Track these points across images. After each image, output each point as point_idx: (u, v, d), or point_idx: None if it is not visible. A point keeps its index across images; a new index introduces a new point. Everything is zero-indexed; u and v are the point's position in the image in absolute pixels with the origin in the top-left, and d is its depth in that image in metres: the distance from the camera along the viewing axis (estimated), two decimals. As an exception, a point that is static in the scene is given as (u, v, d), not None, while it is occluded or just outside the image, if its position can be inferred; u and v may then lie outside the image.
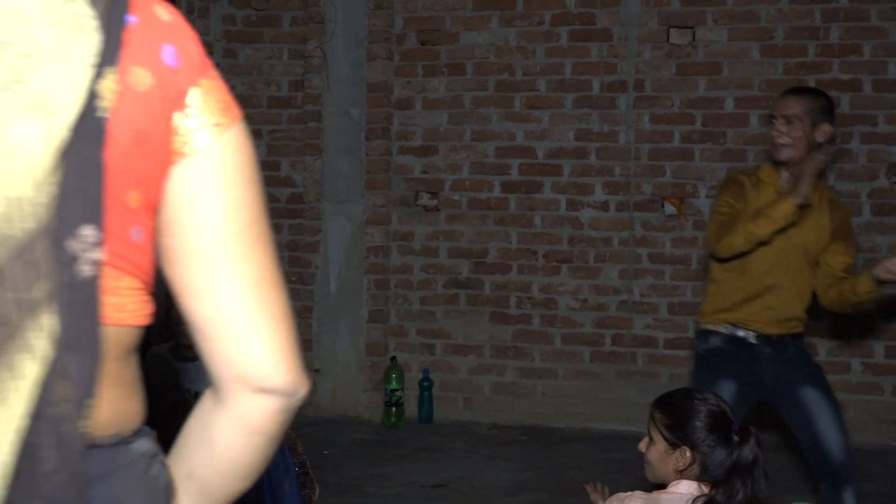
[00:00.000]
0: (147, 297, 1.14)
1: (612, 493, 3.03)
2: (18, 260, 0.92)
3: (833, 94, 6.25)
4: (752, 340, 4.16)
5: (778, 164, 4.09)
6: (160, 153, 1.09)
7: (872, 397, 6.47)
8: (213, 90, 1.13)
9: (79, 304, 0.97)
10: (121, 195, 1.06)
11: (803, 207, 3.97)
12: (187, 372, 4.05)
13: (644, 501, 2.85)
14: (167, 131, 1.09)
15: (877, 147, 6.45)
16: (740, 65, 6.61)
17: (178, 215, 1.11)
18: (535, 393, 6.90)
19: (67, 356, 0.95)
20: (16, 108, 0.94)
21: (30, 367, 0.92)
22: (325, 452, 6.21)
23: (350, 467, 5.94)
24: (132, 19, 1.07)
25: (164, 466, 1.19)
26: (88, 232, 0.97)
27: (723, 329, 4.19)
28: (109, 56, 1.01)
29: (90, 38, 0.98)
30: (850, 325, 6.47)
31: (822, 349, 6.53)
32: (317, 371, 7.02)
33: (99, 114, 1.00)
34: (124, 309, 1.10)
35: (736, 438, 2.80)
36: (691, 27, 6.68)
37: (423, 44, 7.02)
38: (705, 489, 2.80)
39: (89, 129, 0.99)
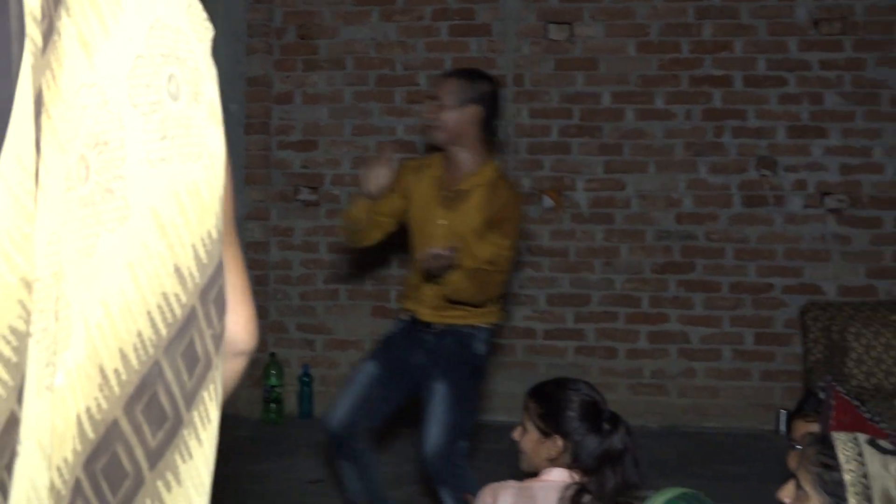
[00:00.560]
0: None
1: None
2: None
3: (706, 89, 6.48)
4: (417, 326, 4.23)
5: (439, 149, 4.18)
6: None
7: (742, 383, 6.64)
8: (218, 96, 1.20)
9: None
10: None
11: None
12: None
13: (516, 490, 2.86)
14: None
15: (747, 141, 6.64)
16: (617, 60, 6.73)
17: None
18: (417, 386, 6.90)
19: None
20: (206, 117, 1.01)
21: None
22: (203, 449, 6.10)
23: (228, 465, 5.78)
24: None
25: None
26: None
27: (404, 315, 4.32)
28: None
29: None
30: (721, 313, 6.64)
31: (695, 337, 6.67)
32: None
33: None
34: None
35: (606, 427, 2.84)
36: (569, 23, 6.78)
37: (302, 38, 6.99)
38: (577, 477, 2.83)
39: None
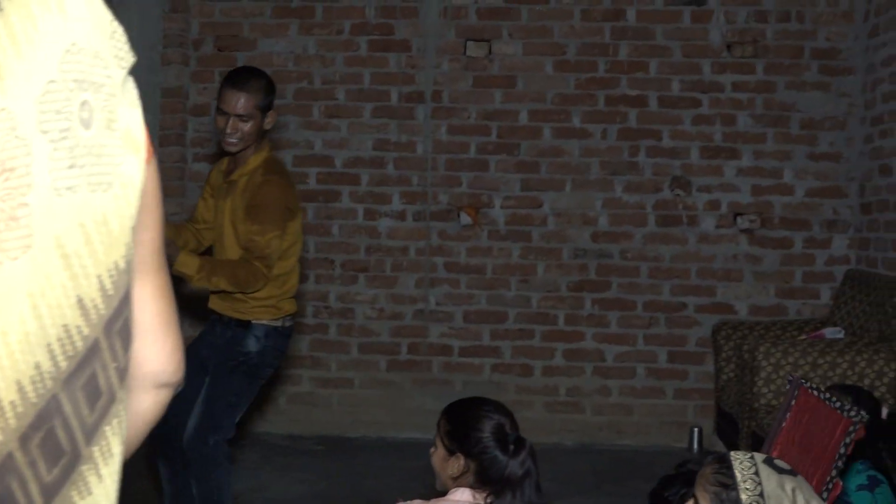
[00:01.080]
0: None
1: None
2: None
3: (621, 108, 6.53)
4: (212, 316, 4.31)
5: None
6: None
7: (656, 401, 6.70)
8: (141, 123, 1.18)
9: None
10: None
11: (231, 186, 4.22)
12: None
13: None
14: None
15: (661, 161, 6.71)
16: (534, 78, 6.77)
17: None
18: (332, 403, 6.86)
19: None
20: (120, 145, 1.00)
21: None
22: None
23: (139, 483, 5.74)
24: None
25: None
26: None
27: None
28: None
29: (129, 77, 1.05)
30: (636, 332, 6.70)
31: (609, 355, 6.72)
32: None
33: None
34: None
35: (511, 449, 2.83)
36: (488, 40, 6.80)
37: (220, 50, 6.92)
38: (479, 498, 2.81)
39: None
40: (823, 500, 2.77)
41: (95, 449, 0.98)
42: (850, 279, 6.23)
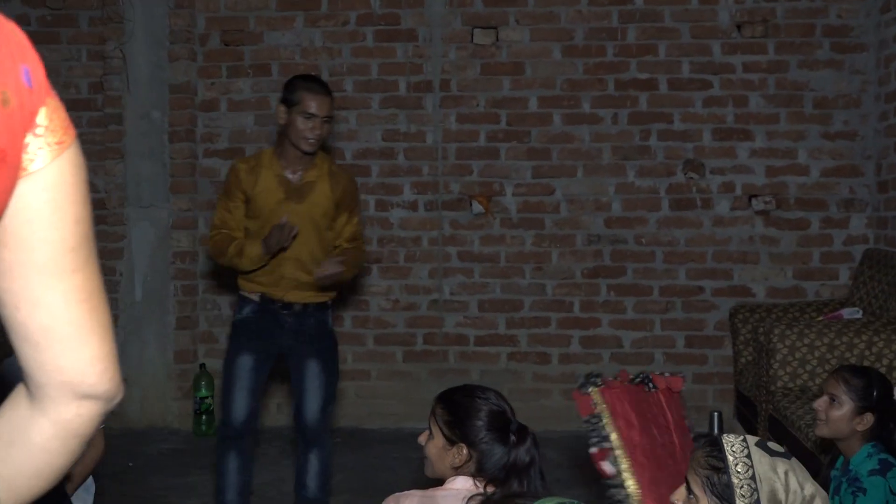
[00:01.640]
0: None
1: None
2: None
3: (631, 92, 6.48)
4: (278, 308, 4.51)
5: (280, 150, 4.48)
6: (14, 171, 1.11)
7: (675, 387, 6.63)
8: (56, 109, 1.15)
9: None
10: None
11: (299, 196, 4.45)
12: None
13: (420, 499, 2.80)
14: (21, 150, 1.12)
15: (673, 144, 6.65)
16: (542, 65, 6.72)
17: (21, 229, 1.13)
18: (349, 395, 6.84)
19: None
20: None
21: None
22: (130, 464, 6.01)
23: (156, 478, 5.75)
24: None
25: None
26: None
27: (255, 297, 4.53)
28: None
29: None
30: (653, 317, 6.65)
31: (626, 341, 6.67)
32: (123, 381, 6.76)
33: None
34: None
35: (513, 438, 2.79)
36: (494, 27, 6.76)
37: (226, 44, 6.90)
38: (481, 486, 2.77)
39: None
40: None
41: None
42: (868, 259, 6.15)
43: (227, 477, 4.57)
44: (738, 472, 2.05)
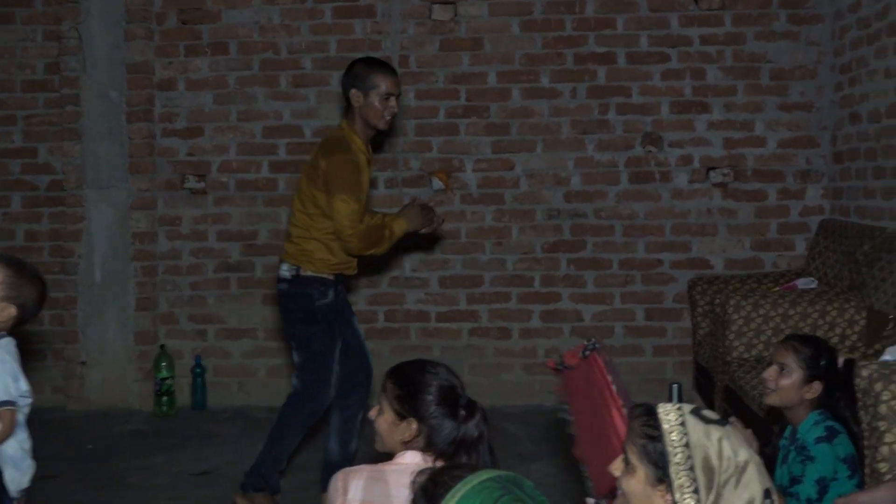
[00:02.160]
0: None
1: None
2: None
3: (589, 66, 6.49)
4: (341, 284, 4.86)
5: (355, 132, 4.71)
6: None
7: (635, 359, 6.68)
8: None
9: None
10: None
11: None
12: None
13: (369, 473, 2.81)
14: None
15: (632, 117, 6.67)
16: (501, 40, 6.72)
17: None
18: (311, 373, 6.83)
19: None
20: None
21: None
22: (90, 446, 6.00)
23: (116, 460, 5.74)
24: None
25: None
26: None
27: (332, 278, 4.75)
28: None
29: None
30: (613, 290, 6.68)
31: (587, 315, 6.71)
32: (83, 364, 6.77)
33: None
34: None
35: (462, 413, 2.80)
36: (453, 3, 6.75)
37: (184, 23, 6.85)
38: (430, 461, 2.78)
39: None
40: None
41: None
42: (823, 229, 6.20)
43: (291, 447, 4.90)
44: (673, 440, 2.06)
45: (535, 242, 6.73)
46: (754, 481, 2.05)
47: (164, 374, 6.66)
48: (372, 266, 6.81)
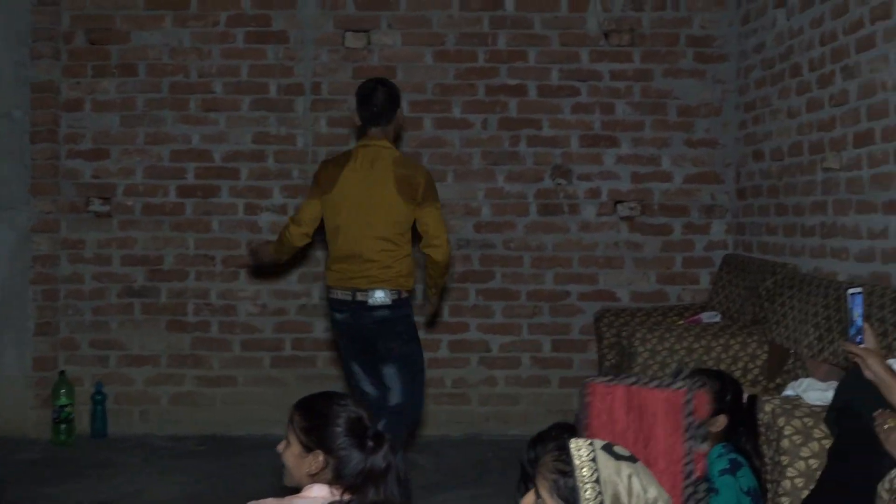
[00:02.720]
0: None
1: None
2: None
3: (501, 98, 6.55)
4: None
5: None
6: None
7: (542, 390, 6.72)
8: None
9: None
10: None
11: None
12: None
13: None
14: None
15: (542, 150, 6.73)
16: (414, 69, 6.73)
17: None
18: (215, 401, 6.75)
19: None
20: None
21: None
22: (-16, 475, 5.81)
23: (11, 490, 5.56)
24: None
25: None
26: None
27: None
28: None
29: None
30: (520, 321, 6.71)
31: (494, 345, 6.72)
32: (-23, 389, 6.57)
33: None
34: None
35: (370, 444, 2.77)
36: (367, 31, 6.74)
37: (92, 43, 6.74)
38: (338, 494, 2.75)
39: None
40: (689, 475, 2.78)
41: None
42: (727, 264, 6.32)
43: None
44: (584, 476, 2.07)
45: (444, 272, 6.72)
46: (663, 518, 2.07)
47: (63, 400, 6.49)
48: (279, 294, 6.76)
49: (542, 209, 6.73)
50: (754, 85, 6.28)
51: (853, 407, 3.11)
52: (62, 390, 6.50)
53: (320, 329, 6.74)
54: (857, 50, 4.84)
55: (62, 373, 6.59)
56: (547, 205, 6.72)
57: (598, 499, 2.05)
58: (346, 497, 2.73)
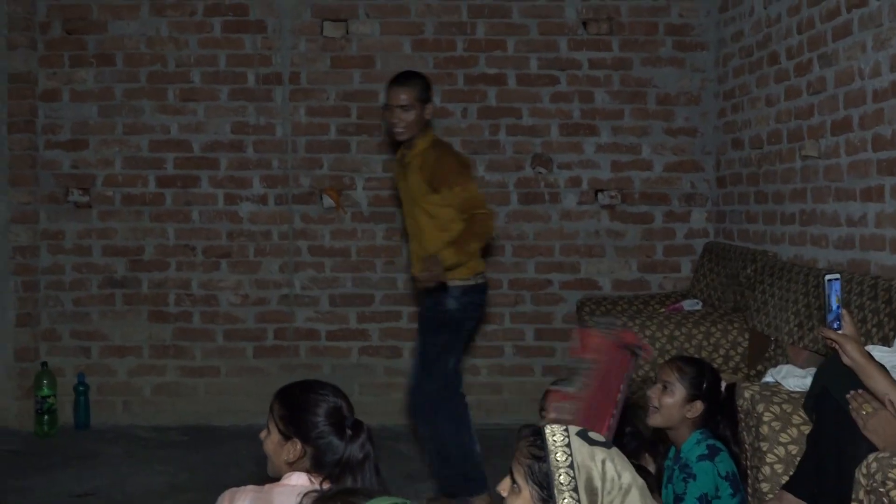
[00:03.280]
0: None
1: None
2: None
3: (480, 87, 6.55)
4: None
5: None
6: None
7: (525, 379, 6.73)
8: None
9: None
10: None
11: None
12: None
13: (255, 493, 2.77)
14: None
15: (522, 139, 6.74)
16: (393, 58, 6.72)
17: None
18: (198, 392, 6.75)
19: None
20: None
21: None
22: (-35, 467, 5.80)
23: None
24: None
25: None
26: None
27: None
28: None
29: None
30: (503, 310, 6.73)
31: (477, 334, 6.73)
32: (-41, 381, 6.55)
33: None
34: None
35: (349, 433, 2.78)
36: (345, 20, 6.73)
37: (69, 33, 6.70)
38: (316, 483, 2.75)
39: None
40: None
41: None
42: (707, 252, 6.34)
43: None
44: (558, 461, 2.08)
45: (425, 261, 6.73)
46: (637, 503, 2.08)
47: (46, 392, 6.47)
48: (260, 284, 6.75)
49: (522, 198, 6.74)
50: (733, 73, 6.30)
51: (831, 393, 3.13)
52: (44, 381, 6.48)
53: (302, 318, 6.75)
54: (833, 38, 4.85)
55: (44, 364, 6.57)
56: (528, 194, 6.73)
57: (572, 484, 2.06)
58: (326, 486, 2.74)
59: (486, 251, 5.29)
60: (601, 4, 6.70)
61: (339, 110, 6.72)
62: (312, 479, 2.76)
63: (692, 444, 3.52)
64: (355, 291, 6.76)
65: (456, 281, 4.82)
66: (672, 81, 6.72)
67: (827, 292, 3.13)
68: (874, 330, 3.90)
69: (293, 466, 2.80)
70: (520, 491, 2.15)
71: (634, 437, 4.04)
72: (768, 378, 3.69)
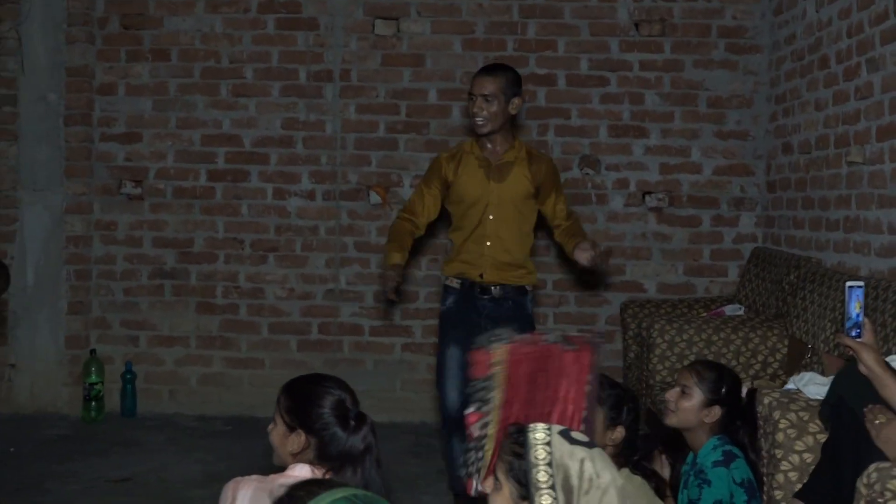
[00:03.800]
0: None
1: None
2: None
3: (530, 87, 6.53)
4: (477, 294, 4.76)
5: (480, 136, 4.77)
6: None
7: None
8: None
9: None
10: None
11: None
12: None
13: (258, 483, 2.80)
14: None
15: (570, 139, 6.71)
16: (443, 57, 6.74)
17: None
18: (242, 383, 6.83)
19: None
20: None
21: None
22: (11, 450, 5.93)
23: (36, 465, 5.68)
24: None
25: None
26: None
27: (456, 285, 4.80)
28: None
29: None
30: (546, 310, 6.69)
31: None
32: (12, 366, 6.71)
33: None
34: None
35: (352, 425, 2.80)
36: (396, 19, 6.77)
37: (126, 28, 6.83)
38: (319, 474, 2.78)
39: None
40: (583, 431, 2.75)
41: None
42: (755, 257, 6.26)
43: (453, 461, 4.71)
44: (537, 458, 2.08)
45: (470, 260, 6.73)
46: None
47: (94, 378, 6.60)
48: (306, 279, 6.81)
49: (569, 199, 6.69)
50: (785, 77, 6.21)
51: (847, 402, 3.08)
52: (93, 368, 6.61)
53: (346, 314, 6.79)
54: (881, 42, 4.76)
55: (93, 351, 6.70)
56: (575, 195, 6.70)
57: (550, 482, 2.06)
58: (329, 477, 2.77)
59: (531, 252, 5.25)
60: (654, 6, 6.65)
61: (389, 108, 6.76)
62: (315, 471, 2.79)
63: (708, 450, 3.49)
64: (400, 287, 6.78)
65: (531, 284, 4.86)
66: (724, 84, 6.65)
67: (847, 299, 3.09)
68: (904, 340, 3.83)
69: (297, 457, 2.83)
70: (501, 488, 2.16)
71: (647, 441, 4.01)
72: (790, 385, 3.64)
